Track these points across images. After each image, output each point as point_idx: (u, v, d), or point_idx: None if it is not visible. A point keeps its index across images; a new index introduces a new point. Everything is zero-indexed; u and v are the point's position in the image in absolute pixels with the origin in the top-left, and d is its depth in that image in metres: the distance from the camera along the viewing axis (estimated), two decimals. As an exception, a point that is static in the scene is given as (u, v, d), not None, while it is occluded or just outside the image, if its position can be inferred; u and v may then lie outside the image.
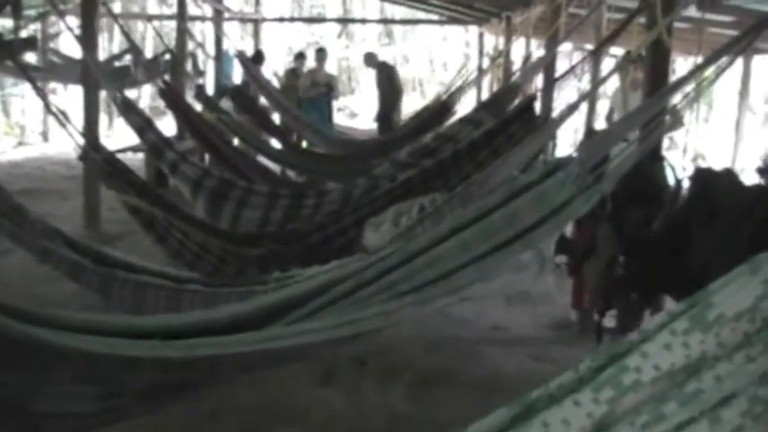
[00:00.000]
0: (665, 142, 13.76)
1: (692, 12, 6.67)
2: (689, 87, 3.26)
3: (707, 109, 16.24)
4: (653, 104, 3.16)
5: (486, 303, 5.75)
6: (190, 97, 9.87)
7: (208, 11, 13.07)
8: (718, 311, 1.46)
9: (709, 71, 3.19)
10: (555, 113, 4.85)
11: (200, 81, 11.67)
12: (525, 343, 5.34)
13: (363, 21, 26.05)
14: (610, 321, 4.65)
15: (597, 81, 5.82)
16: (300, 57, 13.35)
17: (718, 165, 4.57)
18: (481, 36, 15.37)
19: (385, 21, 25.80)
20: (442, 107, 9.29)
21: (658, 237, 3.83)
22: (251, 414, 4.08)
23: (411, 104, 17.04)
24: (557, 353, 5.04)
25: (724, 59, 3.00)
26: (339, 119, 15.60)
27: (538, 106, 5.34)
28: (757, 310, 1.44)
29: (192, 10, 11.88)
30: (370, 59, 12.67)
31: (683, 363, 1.46)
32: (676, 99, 3.41)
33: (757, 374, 1.41)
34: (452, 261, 2.66)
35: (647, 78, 5.18)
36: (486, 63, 12.26)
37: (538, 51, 9.62)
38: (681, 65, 16.84)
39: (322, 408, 4.20)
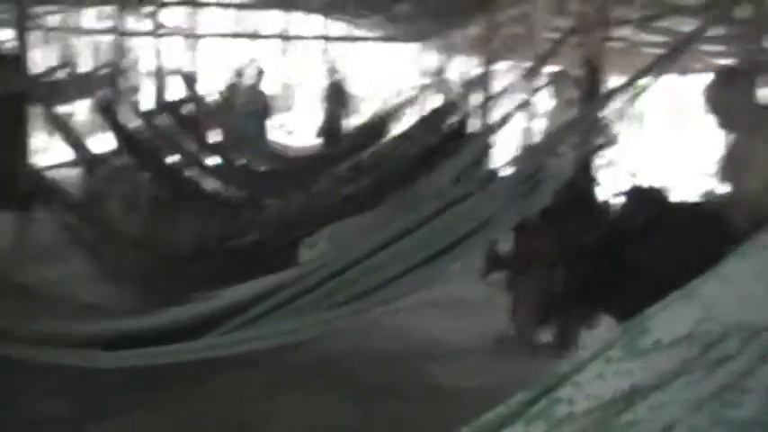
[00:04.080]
0: (601, 160, 13.92)
1: (627, 32, 6.82)
2: (618, 102, 3.32)
3: (640, 126, 16.60)
4: (581, 119, 3.22)
5: (425, 315, 5.77)
6: (128, 112, 9.73)
7: (146, 26, 12.91)
8: (654, 338, 1.42)
9: (638, 86, 3.26)
10: (489, 129, 4.91)
11: (138, 96, 11.53)
12: (464, 355, 5.35)
13: (304, 38, 26.00)
14: (548, 336, 4.70)
15: (530, 94, 5.91)
16: (239, 74, 13.30)
17: (651, 182, 4.65)
18: (421, 54, 15.45)
19: (326, 38, 25.78)
20: (380, 124, 9.32)
21: (594, 253, 3.88)
22: (200, 426, 4.03)
23: (352, 121, 17.08)
24: (495, 365, 5.04)
25: (650, 77, 3.06)
26: (277, 135, 15.54)
27: (475, 123, 5.40)
28: (695, 336, 1.40)
29: (130, 25, 11.75)
30: (332, 72, 12.75)
31: (617, 393, 1.41)
32: (608, 114, 3.47)
33: (695, 403, 1.37)
34: (387, 271, 2.67)
35: (580, 96, 5.27)
36: (424, 81, 12.32)
37: (476, 69, 9.70)
38: (615, 84, 16.98)
39: (268, 420, 4.17)
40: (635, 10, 5.71)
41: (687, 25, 6.80)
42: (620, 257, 3.59)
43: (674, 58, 2.99)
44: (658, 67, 3.04)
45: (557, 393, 1.44)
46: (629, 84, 3.21)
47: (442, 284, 3.40)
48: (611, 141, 7.31)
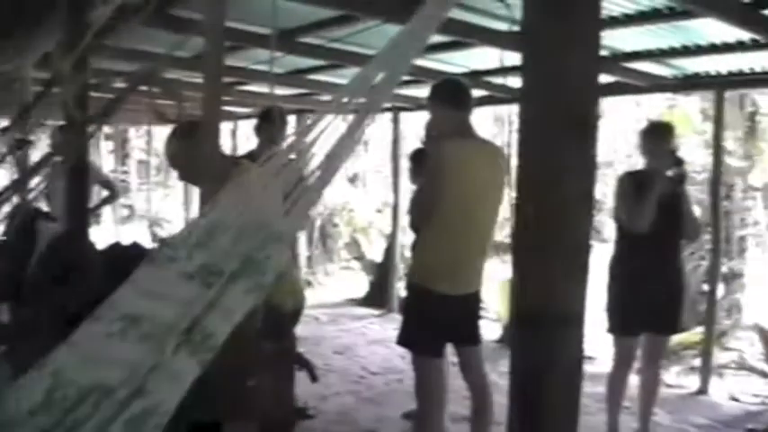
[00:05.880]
0: (126, 211, 13.72)
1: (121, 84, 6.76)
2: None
3: (164, 176, 16.70)
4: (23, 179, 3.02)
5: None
6: None
7: None
8: (16, 409, 1.45)
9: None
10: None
11: None
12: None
13: None
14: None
15: (12, 150, 5.61)
16: None
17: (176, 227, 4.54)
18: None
19: None
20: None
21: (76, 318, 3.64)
22: None
23: None
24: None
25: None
26: None
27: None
28: (53, 403, 1.45)
29: None
30: None
31: None
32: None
33: None
34: None
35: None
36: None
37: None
38: (134, 134, 17.22)
39: None
40: (117, 62, 5.65)
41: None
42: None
43: (117, 104, 2.95)
44: (106, 112, 2.98)
45: None
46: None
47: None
48: (114, 196, 7.18)
